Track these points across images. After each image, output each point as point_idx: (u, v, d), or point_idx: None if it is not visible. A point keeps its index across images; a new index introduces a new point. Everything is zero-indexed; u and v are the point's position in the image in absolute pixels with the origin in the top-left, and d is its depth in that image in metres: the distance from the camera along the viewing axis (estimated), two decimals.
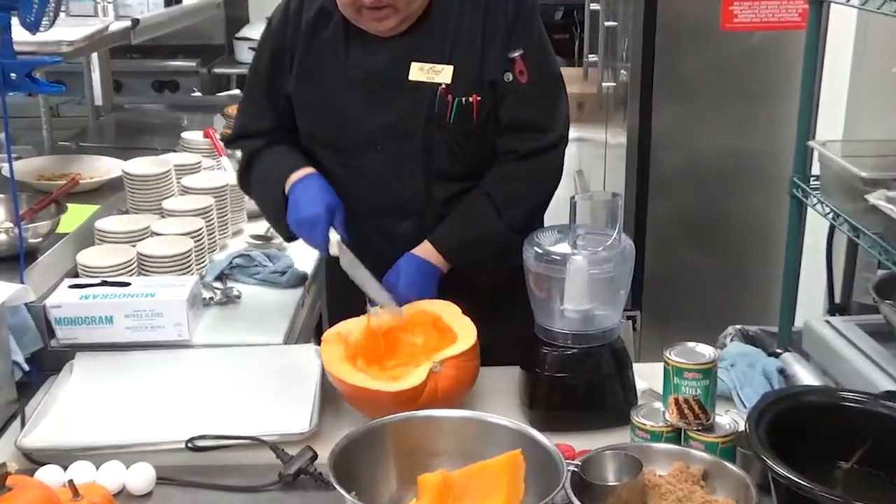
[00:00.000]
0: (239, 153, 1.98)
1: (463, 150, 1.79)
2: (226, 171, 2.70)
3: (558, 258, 1.56)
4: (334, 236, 1.72)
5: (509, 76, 1.75)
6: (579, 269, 1.54)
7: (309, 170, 1.80)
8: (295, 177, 1.78)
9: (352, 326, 1.66)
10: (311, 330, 2.28)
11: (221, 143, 2.87)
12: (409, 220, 1.82)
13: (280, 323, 1.99)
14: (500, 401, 1.67)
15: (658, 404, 1.48)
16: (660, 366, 1.46)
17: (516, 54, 1.74)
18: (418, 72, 1.75)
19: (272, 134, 1.88)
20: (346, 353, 1.60)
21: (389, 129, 1.77)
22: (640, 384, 1.64)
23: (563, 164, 1.83)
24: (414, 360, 1.63)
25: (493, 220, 1.76)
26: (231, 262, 2.21)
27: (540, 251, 1.58)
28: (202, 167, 2.58)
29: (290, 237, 1.85)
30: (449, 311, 1.68)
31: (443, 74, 1.74)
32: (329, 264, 1.96)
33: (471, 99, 1.74)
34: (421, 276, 1.75)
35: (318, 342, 1.67)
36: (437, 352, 1.60)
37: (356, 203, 1.81)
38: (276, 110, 1.86)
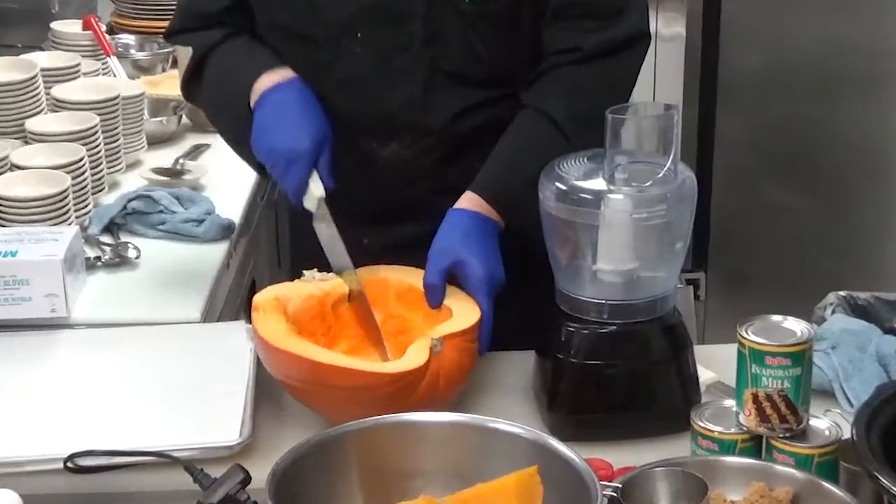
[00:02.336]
0: (176, 50, 1.96)
1: (484, 41, 1.78)
2: (116, 77, 2.69)
3: (589, 198, 1.56)
4: (316, 186, 1.71)
5: None
6: (619, 214, 1.54)
7: (286, 73, 1.79)
8: (266, 82, 1.77)
9: (290, 293, 1.67)
10: (240, 302, 2.28)
11: (108, 39, 2.85)
12: (398, 140, 1.82)
13: (196, 292, 2.00)
14: (508, 399, 1.68)
15: (730, 402, 1.49)
16: (732, 348, 1.46)
17: None
18: None
19: (229, 17, 1.87)
20: (289, 328, 1.60)
21: (375, 9, 1.77)
22: (705, 374, 1.65)
23: (640, 68, 1.82)
24: (373, 343, 1.65)
25: (561, 148, 1.71)
26: (125, 207, 2.22)
27: (564, 188, 1.58)
28: (82, 72, 2.57)
29: (263, 169, 1.83)
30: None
31: None
32: (296, 213, 1.94)
33: None
34: (483, 238, 1.71)
35: (250, 319, 1.67)
36: (409, 330, 1.61)
37: (325, 115, 1.80)
38: None
